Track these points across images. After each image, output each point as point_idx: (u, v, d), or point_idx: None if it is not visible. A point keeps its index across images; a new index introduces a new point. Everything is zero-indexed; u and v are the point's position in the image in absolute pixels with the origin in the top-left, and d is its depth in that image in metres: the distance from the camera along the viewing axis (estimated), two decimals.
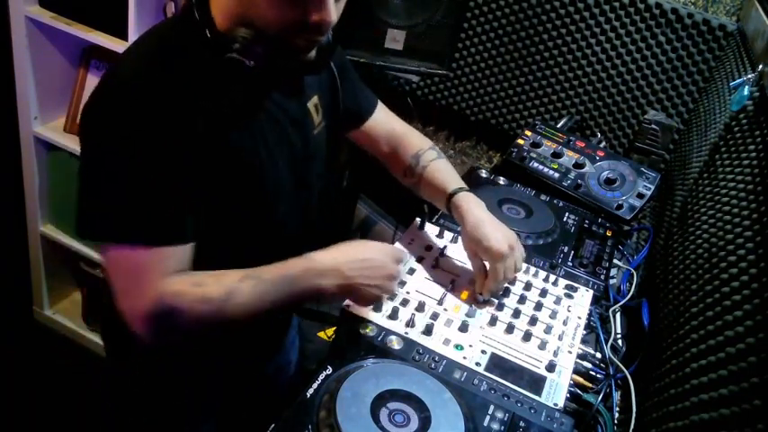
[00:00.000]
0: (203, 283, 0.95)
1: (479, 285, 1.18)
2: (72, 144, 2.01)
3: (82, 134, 0.95)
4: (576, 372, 1.08)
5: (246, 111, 1.00)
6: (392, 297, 1.12)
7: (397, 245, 1.27)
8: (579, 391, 1.06)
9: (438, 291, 1.18)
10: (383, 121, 1.33)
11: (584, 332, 1.17)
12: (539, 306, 1.19)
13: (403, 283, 1.17)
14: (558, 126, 1.92)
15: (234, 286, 0.94)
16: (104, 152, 0.90)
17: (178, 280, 0.93)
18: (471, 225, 1.18)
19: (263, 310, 0.97)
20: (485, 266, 1.18)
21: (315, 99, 1.14)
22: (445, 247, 1.29)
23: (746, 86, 1.24)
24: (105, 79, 0.95)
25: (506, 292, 1.21)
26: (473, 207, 1.21)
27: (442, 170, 1.30)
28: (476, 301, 1.17)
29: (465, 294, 1.18)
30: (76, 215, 0.93)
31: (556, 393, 1.00)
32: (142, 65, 0.93)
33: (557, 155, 1.72)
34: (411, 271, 1.21)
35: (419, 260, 1.25)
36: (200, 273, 0.96)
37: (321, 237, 1.25)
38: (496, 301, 1.18)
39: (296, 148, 1.09)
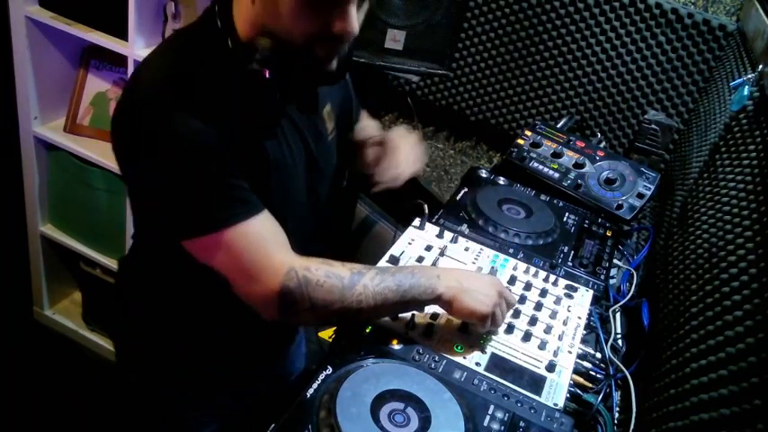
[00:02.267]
0: (328, 262, 0.97)
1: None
2: (72, 144, 2.01)
3: (125, 152, 0.95)
4: (576, 372, 1.08)
5: (268, 119, 1.00)
6: (494, 331, 1.10)
7: (397, 245, 1.27)
8: (579, 391, 1.06)
9: None
10: (362, 121, 1.38)
11: (585, 332, 1.17)
12: (539, 306, 1.19)
13: None
14: (558, 126, 1.92)
15: (358, 269, 0.97)
16: (162, 162, 0.90)
17: (303, 257, 0.95)
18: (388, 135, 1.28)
19: (381, 306, 0.97)
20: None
21: (328, 107, 1.15)
22: (445, 247, 1.29)
23: (746, 86, 1.24)
24: (132, 93, 0.94)
25: None
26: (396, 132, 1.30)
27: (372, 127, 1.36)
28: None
29: None
30: (172, 224, 0.94)
31: (556, 393, 1.00)
32: (167, 74, 0.92)
33: (557, 155, 1.72)
34: None
35: (419, 260, 1.25)
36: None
37: (326, 238, 1.26)
38: None
39: (312, 155, 1.10)
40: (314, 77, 1.02)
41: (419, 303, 1.02)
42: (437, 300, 1.01)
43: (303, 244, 1.15)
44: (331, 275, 0.95)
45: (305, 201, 1.12)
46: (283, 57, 0.93)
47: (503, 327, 1.12)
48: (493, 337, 1.10)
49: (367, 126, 1.38)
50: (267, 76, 0.92)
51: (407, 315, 1.09)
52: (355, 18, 0.91)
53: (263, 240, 0.94)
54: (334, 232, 2.13)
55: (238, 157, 0.93)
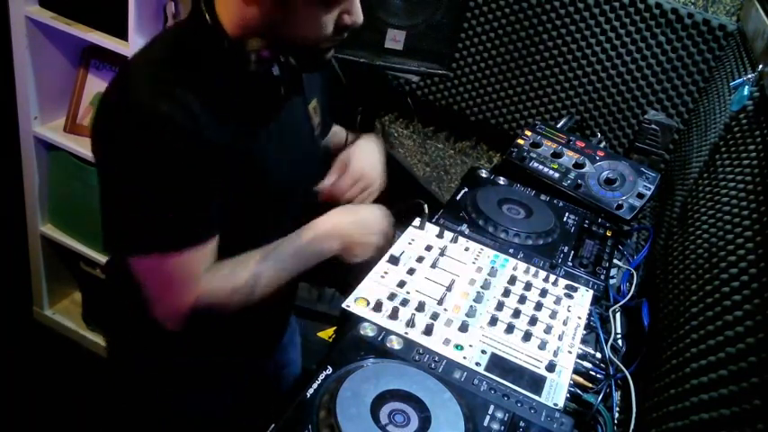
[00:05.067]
0: (231, 274, 1.00)
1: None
2: (72, 144, 2.01)
3: (98, 150, 0.94)
4: (576, 372, 1.08)
5: (259, 116, 1.01)
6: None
7: (397, 245, 1.27)
8: (579, 391, 1.06)
9: (438, 291, 1.18)
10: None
11: (585, 332, 1.17)
12: (539, 306, 1.19)
13: (403, 283, 1.17)
14: (558, 126, 1.92)
15: (257, 270, 1.02)
16: (124, 168, 0.90)
17: (209, 278, 0.97)
18: (359, 145, 1.26)
19: (285, 281, 1.08)
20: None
21: (314, 102, 1.16)
22: (445, 247, 1.29)
23: (746, 86, 1.24)
24: (115, 92, 0.94)
25: (506, 292, 1.21)
26: (363, 143, 1.28)
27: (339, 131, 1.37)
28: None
29: (465, 294, 1.18)
30: (104, 230, 0.95)
31: (556, 393, 1.00)
32: (153, 75, 0.92)
33: (557, 155, 1.72)
34: (411, 271, 1.21)
35: (419, 260, 1.25)
36: (224, 263, 1.00)
37: None
38: (497, 301, 1.18)
39: (301, 150, 1.11)
40: (309, 65, 1.02)
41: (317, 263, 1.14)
42: (337, 258, 1.13)
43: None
44: (235, 292, 1.01)
45: (297, 191, 1.15)
46: (286, 55, 0.93)
47: (503, 326, 1.12)
48: (493, 337, 1.10)
49: (335, 133, 1.40)
50: (270, 74, 0.92)
51: (407, 315, 1.09)
52: (359, 8, 0.93)
53: (175, 275, 0.95)
54: None
55: (225, 164, 0.93)
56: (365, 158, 1.25)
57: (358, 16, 0.93)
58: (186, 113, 0.88)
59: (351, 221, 1.16)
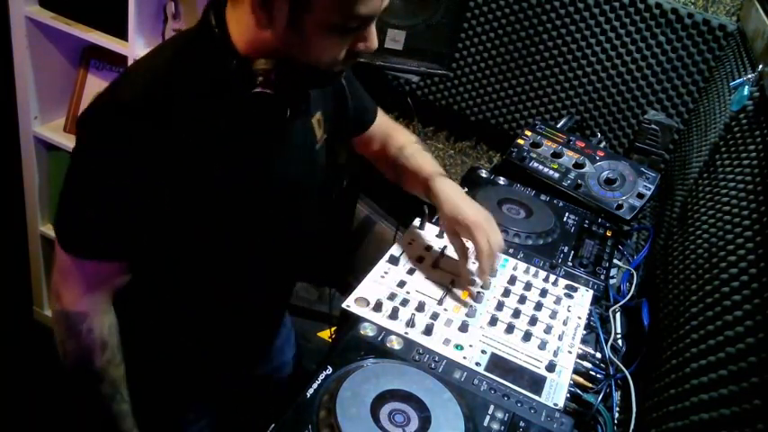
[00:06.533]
0: (110, 359, 1.03)
1: (462, 266, 1.18)
2: (72, 144, 2.00)
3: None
4: (576, 372, 1.08)
5: (255, 136, 0.99)
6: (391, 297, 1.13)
7: (397, 245, 1.27)
8: (579, 391, 1.06)
9: (438, 291, 1.18)
10: (379, 123, 1.36)
11: (585, 332, 1.17)
12: (539, 306, 1.19)
13: (403, 283, 1.17)
14: (558, 126, 1.92)
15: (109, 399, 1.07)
16: (76, 159, 0.93)
17: (104, 322, 1.01)
18: (447, 203, 1.20)
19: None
20: (465, 247, 1.18)
21: (318, 115, 1.13)
22: (445, 247, 1.29)
23: (746, 86, 1.24)
24: (108, 89, 0.95)
25: (506, 292, 1.21)
26: (448, 189, 1.23)
27: (424, 158, 1.32)
28: (474, 295, 1.17)
29: (465, 294, 1.18)
30: (57, 216, 0.98)
31: (556, 393, 1.00)
32: (144, 85, 0.92)
33: (557, 155, 1.72)
34: (411, 271, 1.21)
35: (419, 260, 1.25)
36: (118, 350, 1.05)
37: (313, 247, 1.26)
38: (497, 301, 1.18)
39: (300, 166, 1.10)
40: (317, 83, 1.02)
41: None
42: None
43: (294, 243, 1.18)
44: (67, 354, 1.04)
45: (291, 207, 1.12)
46: (297, 76, 0.92)
47: (503, 326, 1.12)
48: (493, 337, 1.10)
49: (379, 123, 1.35)
50: (274, 94, 0.90)
51: (407, 315, 1.09)
52: (375, 35, 0.93)
53: (66, 273, 0.98)
54: (334, 232, 2.13)
55: (180, 187, 0.93)
56: (464, 208, 1.17)
57: (372, 43, 0.93)
58: (151, 126, 0.88)
59: None
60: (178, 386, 1.22)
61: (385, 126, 1.37)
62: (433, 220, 1.39)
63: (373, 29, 0.92)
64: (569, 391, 1.03)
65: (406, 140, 1.36)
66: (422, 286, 1.18)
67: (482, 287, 1.18)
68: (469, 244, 1.18)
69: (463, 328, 1.10)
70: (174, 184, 0.92)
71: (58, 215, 0.97)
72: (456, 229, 1.18)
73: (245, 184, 1.00)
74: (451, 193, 1.21)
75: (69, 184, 0.94)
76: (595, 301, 1.27)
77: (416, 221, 1.36)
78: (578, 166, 1.69)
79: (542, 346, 1.10)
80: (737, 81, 1.33)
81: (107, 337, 1.02)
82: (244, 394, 1.36)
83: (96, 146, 0.90)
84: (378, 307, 1.09)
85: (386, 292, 1.14)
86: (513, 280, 1.24)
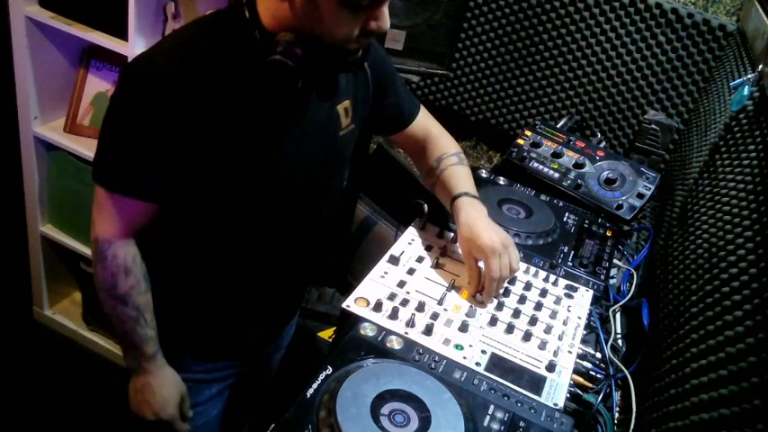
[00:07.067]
0: (135, 285, 1.10)
1: (473, 287, 1.18)
2: (72, 144, 2.01)
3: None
4: (576, 372, 1.08)
5: (273, 111, 1.04)
6: None
7: (397, 245, 1.27)
8: (579, 391, 1.06)
9: (438, 291, 1.18)
10: (422, 123, 1.36)
11: (585, 332, 1.17)
12: (539, 306, 1.19)
13: (403, 283, 1.17)
14: (558, 126, 1.92)
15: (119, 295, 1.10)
16: (116, 103, 1.00)
17: (130, 253, 1.08)
18: (465, 224, 1.20)
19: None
20: (479, 268, 1.18)
21: (346, 103, 1.16)
22: (445, 247, 1.29)
23: (746, 86, 1.24)
24: (149, 50, 1.01)
25: (506, 292, 1.21)
26: (470, 209, 1.23)
27: (456, 175, 1.32)
28: (476, 301, 1.18)
29: (465, 294, 1.18)
30: (94, 158, 1.05)
31: (556, 393, 1.00)
32: (171, 44, 1.00)
33: (557, 155, 1.72)
34: (411, 271, 1.21)
35: (419, 260, 1.25)
36: (146, 278, 1.11)
37: (323, 234, 1.27)
38: (496, 301, 1.18)
39: (320, 151, 1.13)
40: (338, 65, 1.05)
41: None
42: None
43: (307, 229, 1.21)
44: (115, 292, 1.10)
45: (310, 189, 1.16)
46: (314, 51, 0.97)
47: (503, 326, 1.12)
48: (493, 337, 1.10)
49: (421, 123, 1.36)
50: (295, 66, 0.95)
51: (407, 315, 1.09)
52: (387, 15, 0.97)
53: (100, 206, 1.06)
54: (335, 232, 2.13)
55: (204, 143, 0.98)
56: (480, 232, 1.17)
57: (384, 23, 0.97)
58: (182, 78, 0.95)
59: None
60: (196, 372, 1.24)
61: (427, 129, 1.37)
62: (435, 220, 1.39)
63: (385, 10, 0.97)
64: (569, 391, 1.03)
65: (447, 149, 1.36)
66: (422, 286, 1.18)
67: (478, 304, 1.18)
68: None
69: (463, 328, 1.10)
70: (200, 141, 0.98)
71: (97, 150, 1.03)
72: (471, 250, 1.19)
73: (265, 153, 1.05)
74: (471, 216, 1.22)
75: (106, 124, 1.01)
76: (595, 301, 1.27)
77: (417, 221, 1.36)
78: (578, 166, 1.69)
79: (542, 346, 1.10)
80: (737, 81, 1.33)
81: (131, 265, 1.09)
82: (249, 373, 1.39)
83: (135, 94, 0.97)
84: (378, 307, 1.09)
85: (386, 292, 1.14)
86: (513, 280, 1.24)
